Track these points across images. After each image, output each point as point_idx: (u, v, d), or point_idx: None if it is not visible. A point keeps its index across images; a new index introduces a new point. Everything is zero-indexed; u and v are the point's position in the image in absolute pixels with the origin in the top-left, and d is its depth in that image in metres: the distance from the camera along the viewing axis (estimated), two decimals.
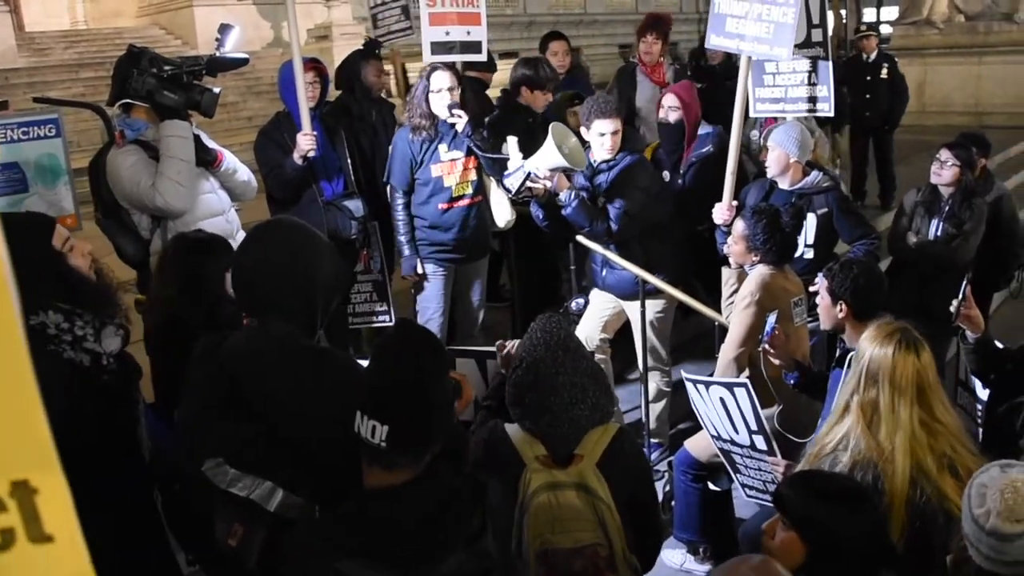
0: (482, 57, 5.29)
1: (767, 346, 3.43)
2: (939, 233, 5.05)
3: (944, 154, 5.04)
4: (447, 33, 5.02)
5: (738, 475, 3.51)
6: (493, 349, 2.97)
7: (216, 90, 3.84)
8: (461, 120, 4.54)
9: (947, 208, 5.05)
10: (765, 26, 4.28)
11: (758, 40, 4.33)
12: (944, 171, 5.01)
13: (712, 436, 3.48)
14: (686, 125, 4.96)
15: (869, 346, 2.57)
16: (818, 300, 3.29)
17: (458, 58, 5.09)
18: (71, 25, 19.48)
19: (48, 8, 19.73)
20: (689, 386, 3.39)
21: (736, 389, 3.19)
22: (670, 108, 5.03)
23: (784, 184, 4.53)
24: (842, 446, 2.56)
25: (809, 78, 4.84)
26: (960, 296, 3.24)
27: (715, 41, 4.58)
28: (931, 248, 5.06)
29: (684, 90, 5.08)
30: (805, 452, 2.77)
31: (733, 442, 3.37)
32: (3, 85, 13.25)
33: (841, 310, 3.15)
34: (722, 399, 3.24)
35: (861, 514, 2.13)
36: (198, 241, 2.92)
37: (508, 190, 4.30)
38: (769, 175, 4.58)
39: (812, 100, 4.87)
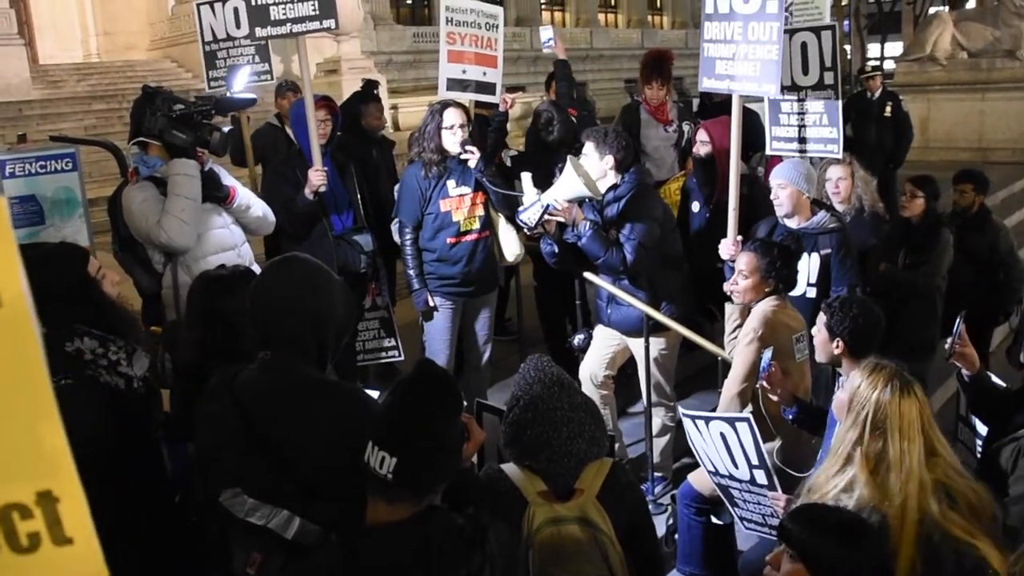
0: (495, 99, 5.44)
1: (764, 383, 3.48)
2: (907, 261, 5.26)
3: (909, 188, 5.33)
4: (464, 72, 5.15)
5: (736, 509, 3.54)
6: None
7: (226, 129, 3.93)
8: (473, 156, 4.64)
9: (914, 237, 5.26)
10: (752, 65, 4.38)
11: (747, 79, 4.43)
12: (911, 204, 5.28)
13: (709, 472, 3.51)
14: (716, 159, 5.04)
15: (870, 393, 2.54)
16: (814, 332, 3.34)
17: (472, 96, 5.22)
18: (84, 58, 19.75)
19: (62, 41, 20.03)
20: (687, 422, 3.42)
21: (738, 424, 3.22)
22: (701, 142, 5.17)
23: (792, 224, 4.56)
24: (846, 495, 2.52)
25: (821, 119, 4.98)
26: (955, 334, 3.28)
27: (707, 84, 4.69)
28: (898, 275, 5.24)
29: (714, 126, 5.17)
30: (800, 493, 2.74)
31: (732, 477, 3.40)
32: (17, 117, 13.45)
33: (838, 346, 3.21)
34: (723, 434, 3.28)
35: (865, 548, 2.16)
36: (221, 279, 2.92)
37: (525, 224, 4.35)
38: (782, 213, 4.58)
39: (824, 140, 5.00)
